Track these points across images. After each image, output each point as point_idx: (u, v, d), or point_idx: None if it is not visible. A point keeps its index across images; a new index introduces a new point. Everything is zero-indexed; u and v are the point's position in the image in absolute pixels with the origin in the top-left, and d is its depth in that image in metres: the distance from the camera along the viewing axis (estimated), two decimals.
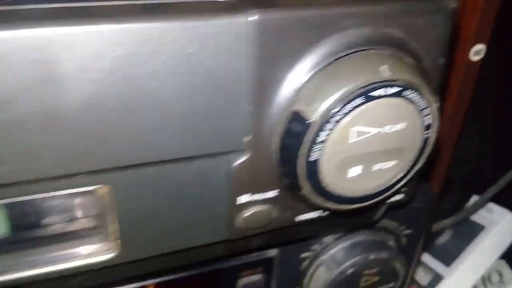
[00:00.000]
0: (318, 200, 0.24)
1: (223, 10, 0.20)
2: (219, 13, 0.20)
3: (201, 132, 0.22)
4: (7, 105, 0.18)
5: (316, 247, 0.35)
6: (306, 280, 0.36)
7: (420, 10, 0.23)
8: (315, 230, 0.31)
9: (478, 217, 0.62)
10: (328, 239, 0.35)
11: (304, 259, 0.35)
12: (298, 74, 0.22)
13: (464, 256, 0.58)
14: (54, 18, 0.18)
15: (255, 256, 0.34)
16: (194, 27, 0.19)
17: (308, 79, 0.22)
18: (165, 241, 0.24)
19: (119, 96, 0.19)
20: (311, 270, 0.36)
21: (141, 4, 0.20)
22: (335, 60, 0.22)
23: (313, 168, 0.23)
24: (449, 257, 0.59)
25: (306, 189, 0.23)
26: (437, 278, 0.59)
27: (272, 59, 0.21)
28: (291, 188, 0.24)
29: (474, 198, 0.63)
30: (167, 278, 0.32)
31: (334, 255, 0.35)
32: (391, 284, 0.38)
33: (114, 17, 0.18)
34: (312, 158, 0.22)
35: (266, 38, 0.20)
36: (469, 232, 0.61)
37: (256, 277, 0.35)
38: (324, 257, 0.35)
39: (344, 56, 0.22)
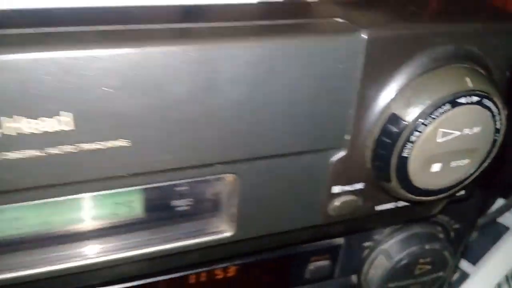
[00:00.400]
0: (401, 191, 0.29)
1: (341, 29, 0.24)
2: (338, 31, 0.24)
3: (311, 131, 0.26)
4: (179, 106, 0.22)
5: (377, 237, 0.39)
6: (365, 268, 0.41)
7: (495, 31, 0.27)
8: (385, 220, 0.35)
9: (504, 218, 0.66)
10: (388, 230, 0.39)
11: (366, 248, 0.40)
12: (396, 83, 0.26)
13: (490, 255, 0.62)
14: (214, 37, 0.22)
15: (324, 243, 0.38)
16: (319, 43, 0.24)
17: (404, 87, 0.26)
18: (270, 224, 0.29)
19: (256, 102, 0.24)
20: (371, 258, 0.40)
21: (271, 25, 0.24)
22: (426, 71, 0.26)
23: (403, 163, 0.27)
24: (475, 256, 0.63)
25: (394, 181, 0.28)
26: (464, 276, 0.63)
27: (376, 70, 0.25)
28: (379, 180, 0.28)
29: (500, 201, 0.66)
30: (248, 260, 0.37)
31: (393, 245, 0.39)
32: (441, 273, 0.42)
33: (259, 35, 0.23)
34: (404, 154, 0.26)
35: (374, 53, 0.25)
36: (494, 233, 0.65)
37: (324, 263, 0.39)
38: (384, 246, 0.40)
39: (434, 68, 0.26)
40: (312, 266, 0.38)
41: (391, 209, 0.32)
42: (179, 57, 0.21)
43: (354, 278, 0.41)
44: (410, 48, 0.26)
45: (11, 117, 0.19)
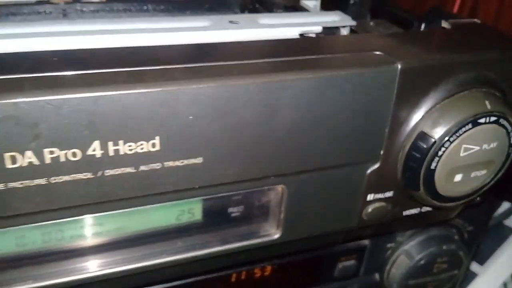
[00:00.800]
0: (427, 198, 0.33)
1: (379, 61, 0.28)
2: (377, 63, 0.28)
3: (351, 147, 0.30)
4: (245, 129, 0.26)
5: (399, 238, 0.43)
6: (388, 267, 0.45)
7: (508, 58, 0.32)
8: (410, 224, 0.39)
9: (509, 221, 0.70)
10: (409, 232, 0.44)
11: (389, 248, 0.44)
12: (425, 106, 0.30)
13: (496, 256, 0.66)
14: (275, 71, 0.26)
15: (352, 245, 0.42)
16: (362, 74, 0.28)
17: (432, 109, 0.30)
18: (312, 227, 0.33)
19: (307, 124, 0.28)
20: (393, 258, 0.44)
21: (320, 58, 0.28)
22: (451, 95, 0.30)
23: (430, 174, 0.31)
24: (482, 256, 0.67)
25: (422, 190, 0.32)
26: (472, 275, 0.66)
27: (408, 95, 0.29)
28: (408, 189, 0.32)
29: (505, 205, 0.71)
30: (285, 260, 0.41)
31: (414, 246, 0.44)
32: (456, 271, 0.46)
33: (312, 69, 0.27)
34: (431, 167, 0.31)
35: (406, 80, 0.29)
36: (500, 235, 0.69)
37: (351, 262, 0.43)
38: (405, 247, 0.44)
39: (458, 92, 0.30)
40: (340, 265, 0.43)
41: (416, 214, 0.36)
42: (247, 89, 0.25)
43: (377, 276, 0.46)
44: (437, 76, 0.30)
45: (116, 142, 0.24)
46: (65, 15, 0.43)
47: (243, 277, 0.41)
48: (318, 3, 0.40)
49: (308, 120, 0.28)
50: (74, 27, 0.31)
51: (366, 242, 0.42)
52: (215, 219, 0.32)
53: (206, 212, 0.31)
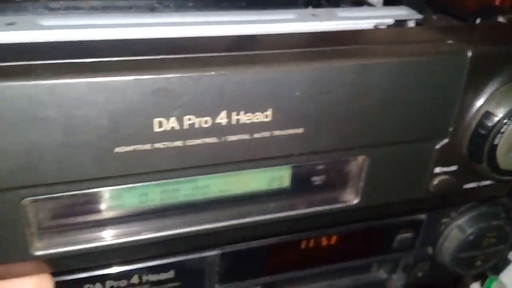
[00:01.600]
0: (487, 171, 0.37)
1: (453, 49, 0.33)
2: (452, 51, 0.33)
3: (424, 124, 0.35)
4: (339, 105, 0.31)
5: (453, 214, 0.48)
6: (440, 240, 0.49)
7: None
8: (468, 197, 0.44)
9: None
10: (462, 208, 0.48)
11: (443, 223, 0.48)
12: (489, 88, 0.34)
13: None
14: (366, 56, 0.31)
15: (411, 218, 0.47)
16: (439, 60, 0.32)
17: (495, 92, 0.34)
18: (386, 195, 0.37)
19: (388, 103, 0.32)
20: (446, 232, 0.49)
21: (400, 47, 0.33)
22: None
23: (493, 149, 0.35)
24: None
25: (484, 163, 0.36)
26: (507, 262, 0.70)
27: (475, 79, 0.34)
28: (472, 162, 0.37)
29: None
30: (351, 230, 0.45)
31: (466, 221, 0.48)
32: (502, 246, 0.50)
33: (397, 56, 0.31)
34: (494, 142, 0.35)
35: (474, 66, 0.33)
36: None
37: (409, 234, 0.47)
38: (458, 222, 0.48)
39: None
40: (399, 237, 0.47)
41: (474, 187, 0.40)
42: (342, 70, 0.30)
43: (430, 249, 0.50)
44: (501, 62, 0.34)
45: (238, 112, 0.29)
46: (153, 9, 0.49)
47: (311, 244, 0.46)
48: None
49: (390, 99, 0.32)
50: (176, 19, 0.36)
51: (423, 216, 0.47)
52: (301, 185, 0.37)
53: (293, 179, 0.36)
